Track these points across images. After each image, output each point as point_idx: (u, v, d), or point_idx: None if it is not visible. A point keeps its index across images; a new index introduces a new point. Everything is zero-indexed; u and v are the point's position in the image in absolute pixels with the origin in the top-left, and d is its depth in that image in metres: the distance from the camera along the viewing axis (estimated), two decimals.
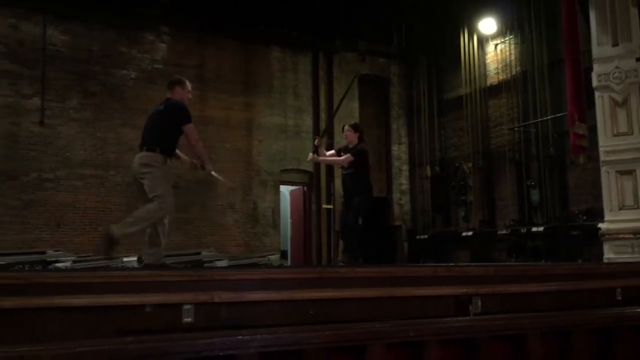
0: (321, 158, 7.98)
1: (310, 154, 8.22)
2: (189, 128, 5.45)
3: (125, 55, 12.74)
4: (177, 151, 5.67)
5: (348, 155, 7.30)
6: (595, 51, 8.41)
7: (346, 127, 7.52)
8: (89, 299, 3.29)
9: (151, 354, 2.00)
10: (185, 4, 12.74)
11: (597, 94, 8.30)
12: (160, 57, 13.10)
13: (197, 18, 13.17)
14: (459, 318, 3.58)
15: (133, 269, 6.87)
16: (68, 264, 10.32)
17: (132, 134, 12.55)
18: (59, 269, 8.24)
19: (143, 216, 5.22)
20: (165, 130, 5.46)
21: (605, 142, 8.15)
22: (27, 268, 9.72)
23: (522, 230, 12.03)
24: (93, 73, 12.36)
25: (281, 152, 14.18)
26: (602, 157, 8.18)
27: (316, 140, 7.94)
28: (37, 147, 11.68)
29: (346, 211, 7.50)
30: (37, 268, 9.83)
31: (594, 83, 8.31)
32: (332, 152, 8.00)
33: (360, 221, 7.07)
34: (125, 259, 10.88)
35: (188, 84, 5.85)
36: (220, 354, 2.22)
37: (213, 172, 5.91)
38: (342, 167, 7.59)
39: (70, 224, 11.80)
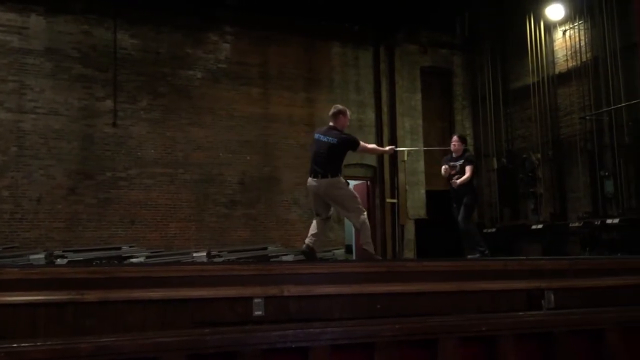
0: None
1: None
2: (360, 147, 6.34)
3: (191, 56, 13.09)
4: None
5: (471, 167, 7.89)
6: None
7: (454, 138, 8.19)
8: (166, 292, 3.42)
9: (228, 345, 2.08)
10: (248, 3, 12.94)
11: None
12: (224, 56, 13.39)
13: (258, 17, 13.36)
14: (533, 312, 3.50)
15: (205, 263, 7.06)
16: (142, 259, 10.76)
17: (200, 133, 12.93)
18: (134, 264, 8.58)
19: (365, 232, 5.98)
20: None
21: None
22: (105, 263, 10.22)
23: (596, 223, 11.59)
24: (161, 74, 12.77)
25: None
26: None
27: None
28: (110, 147, 12.18)
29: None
30: (114, 263, 10.31)
31: None
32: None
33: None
34: (195, 254, 11.24)
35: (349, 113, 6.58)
36: (293, 345, 2.27)
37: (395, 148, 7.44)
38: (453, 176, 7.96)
39: (143, 220, 12.24)
